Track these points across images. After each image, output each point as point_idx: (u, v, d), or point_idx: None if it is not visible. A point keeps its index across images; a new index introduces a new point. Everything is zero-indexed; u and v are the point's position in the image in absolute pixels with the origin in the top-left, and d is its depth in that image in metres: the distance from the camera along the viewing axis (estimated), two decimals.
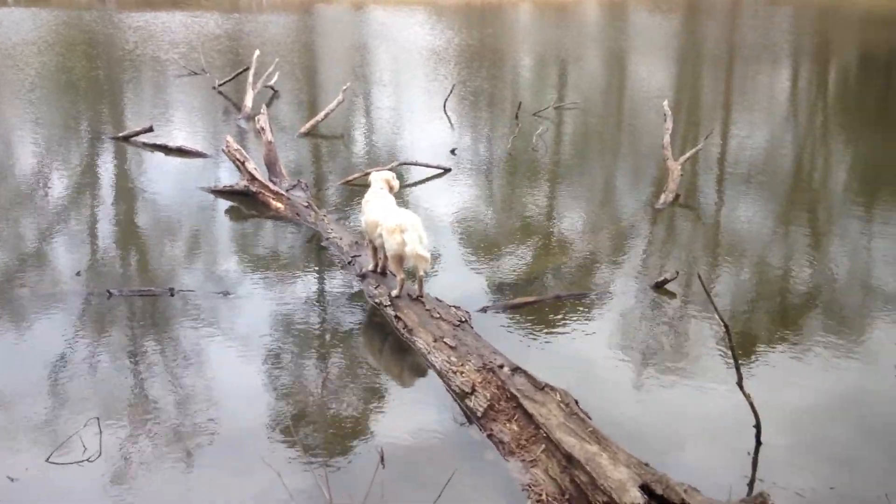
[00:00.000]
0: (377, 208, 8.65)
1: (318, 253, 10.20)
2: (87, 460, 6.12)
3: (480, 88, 21.44)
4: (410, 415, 6.84)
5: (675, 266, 9.59)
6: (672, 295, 9.06)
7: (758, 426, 6.38)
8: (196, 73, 21.38)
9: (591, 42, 32.17)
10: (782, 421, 6.63)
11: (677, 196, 12.14)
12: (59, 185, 12.93)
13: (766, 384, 7.13)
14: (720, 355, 7.74)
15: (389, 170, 11.74)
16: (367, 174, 10.32)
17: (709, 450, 6.42)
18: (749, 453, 6.33)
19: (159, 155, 14.34)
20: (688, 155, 13.29)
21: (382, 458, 6.09)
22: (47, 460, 6.09)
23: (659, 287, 9.13)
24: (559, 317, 8.53)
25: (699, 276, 7.43)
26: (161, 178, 13.15)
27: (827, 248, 10.87)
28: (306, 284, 9.40)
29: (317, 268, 9.91)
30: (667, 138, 13.31)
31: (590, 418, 6.22)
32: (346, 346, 8.06)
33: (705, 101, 21.84)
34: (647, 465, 5.63)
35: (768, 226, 11.59)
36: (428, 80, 22.65)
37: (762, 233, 11.26)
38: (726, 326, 6.65)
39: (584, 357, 7.81)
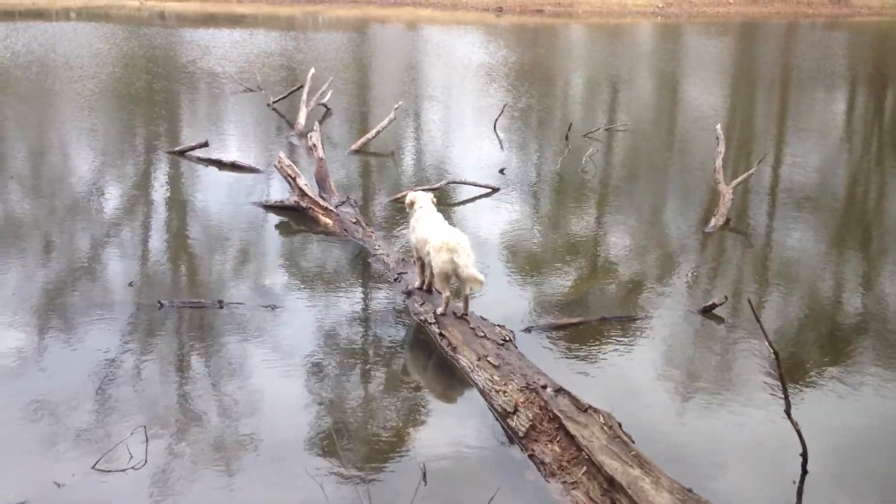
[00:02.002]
0: (426, 226, 8.71)
1: (364, 269, 10.28)
2: (133, 468, 6.22)
3: (531, 108, 21.46)
4: (452, 432, 6.85)
5: (724, 291, 9.48)
6: (720, 320, 8.96)
7: (804, 454, 6.28)
8: (251, 90, 21.70)
9: (643, 64, 32.04)
10: (829, 450, 6.53)
11: (728, 220, 12.03)
12: (114, 197, 13.19)
13: (814, 412, 7.03)
14: (766, 382, 7.64)
15: (436, 189, 11.82)
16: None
17: (753, 477, 6.33)
18: (794, 482, 6.23)
19: (213, 169, 14.57)
20: (740, 179, 13.16)
21: (425, 475, 6.10)
22: (94, 467, 6.20)
23: (707, 312, 9.04)
24: (604, 339, 8.49)
25: (749, 302, 7.34)
26: (214, 192, 13.35)
27: (878, 275, 10.69)
28: (352, 300, 9.47)
29: (363, 284, 9.98)
30: (719, 162, 13.21)
31: (633, 441, 6.17)
32: (390, 363, 8.10)
33: (758, 125, 21.63)
34: (690, 490, 5.58)
35: (819, 251, 11.43)
36: (479, 98, 22.73)
37: (813, 258, 11.11)
38: (776, 353, 6.56)
39: (629, 380, 7.76)
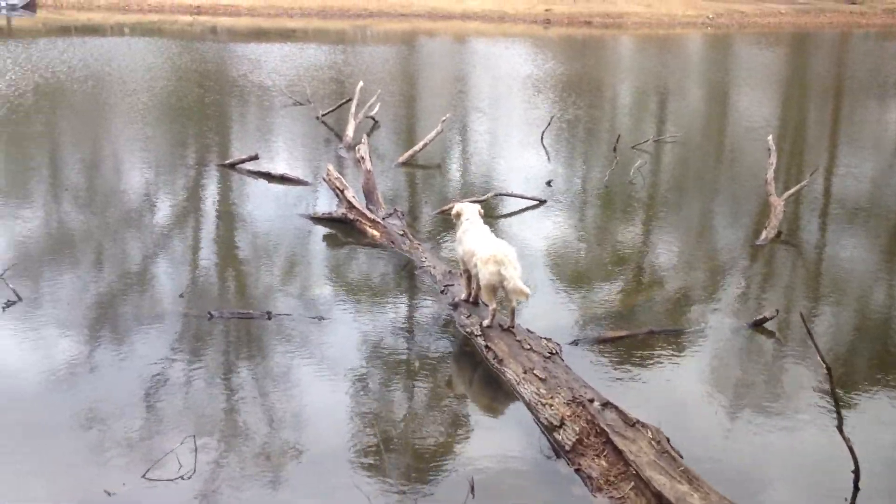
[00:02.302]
0: (473, 238, 8.71)
1: (411, 281, 10.31)
2: (182, 478, 6.29)
3: (578, 120, 21.39)
4: (498, 445, 6.83)
5: (775, 304, 9.35)
6: (770, 334, 8.84)
7: (856, 471, 6.15)
8: (300, 104, 21.90)
9: (692, 74, 31.80)
10: (882, 467, 6.40)
11: (779, 232, 11.86)
12: (165, 209, 13.39)
13: (866, 428, 6.89)
14: (817, 397, 7.51)
15: (483, 201, 11.84)
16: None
17: (804, 494, 6.23)
18: (846, 499, 6.11)
19: (262, 182, 14.72)
20: (792, 191, 12.99)
21: (472, 488, 6.08)
22: (144, 476, 6.28)
23: (757, 326, 8.91)
24: (652, 352, 8.41)
25: (801, 316, 7.23)
26: (263, 204, 13.49)
27: None
28: (399, 312, 9.50)
29: (409, 296, 10.01)
30: (770, 173, 13.05)
31: (681, 457, 6.11)
32: (436, 375, 8.11)
33: (810, 136, 21.32)
34: None
35: (873, 265, 11.22)
36: (526, 110, 22.72)
37: (866, 272, 10.90)
38: (828, 368, 6.45)
39: (677, 394, 7.68)
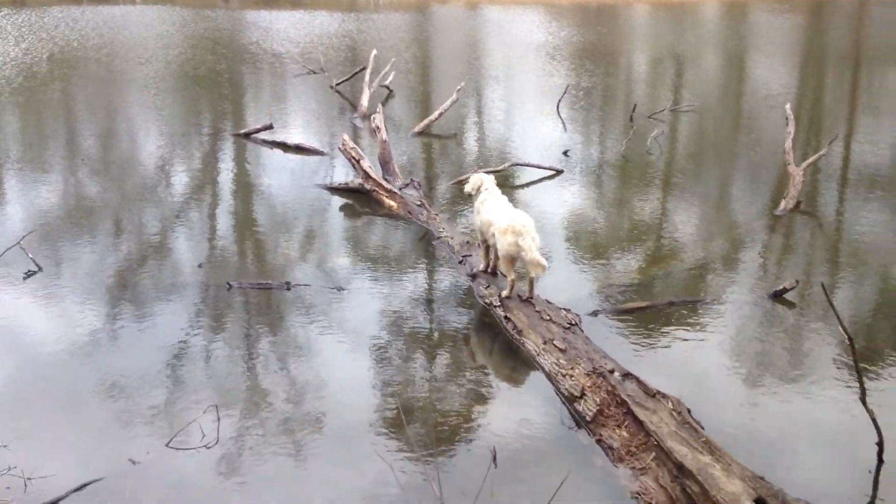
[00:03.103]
0: (492, 208, 8.67)
1: (428, 251, 10.30)
2: (205, 447, 6.33)
3: (594, 89, 21.24)
4: (519, 416, 6.83)
5: (795, 275, 9.29)
6: (791, 305, 8.79)
7: (880, 444, 6.12)
8: (314, 72, 21.82)
9: (709, 42, 31.49)
10: None
11: (798, 203, 11.78)
12: (181, 180, 13.40)
13: (890, 400, 6.84)
14: (839, 368, 7.48)
15: (500, 171, 11.81)
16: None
17: (827, 466, 6.21)
18: (870, 471, 6.08)
19: (278, 152, 14.70)
20: (811, 160, 12.88)
21: (495, 458, 6.09)
22: (167, 445, 6.33)
23: (777, 296, 8.86)
24: (672, 323, 8.38)
25: (822, 286, 7.17)
26: (279, 174, 13.49)
27: None
28: (417, 282, 9.49)
29: (427, 266, 10.00)
30: (788, 143, 12.94)
31: (703, 428, 6.10)
32: (455, 345, 8.11)
33: (828, 104, 21.12)
34: (762, 478, 5.49)
35: (893, 234, 11.12)
36: (541, 78, 22.57)
37: (887, 241, 10.80)
38: (850, 339, 6.41)
39: (698, 365, 7.66)
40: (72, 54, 24.02)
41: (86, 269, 9.57)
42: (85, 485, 5.85)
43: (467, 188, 9.28)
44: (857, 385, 6.27)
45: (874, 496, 5.88)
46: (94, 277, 9.34)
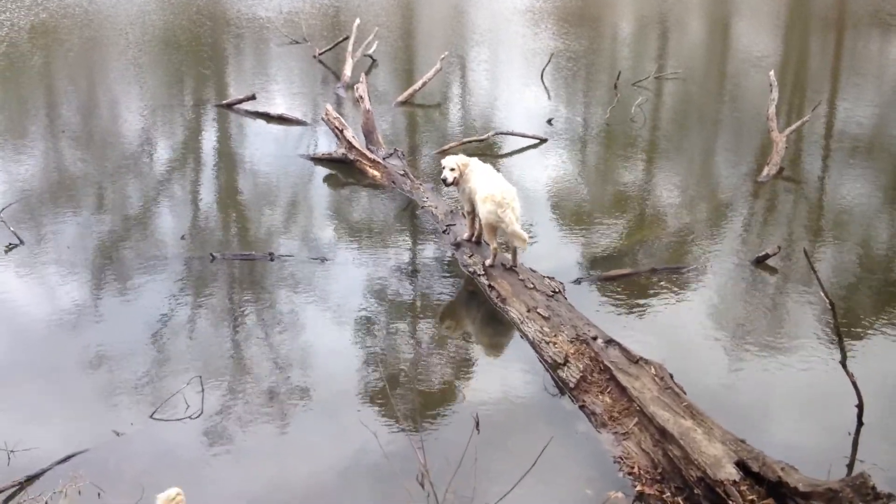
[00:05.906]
0: (477, 177, 8.62)
1: (413, 221, 10.28)
2: (190, 417, 6.36)
3: (578, 56, 21.12)
4: (503, 383, 6.88)
5: (778, 241, 9.34)
6: (773, 270, 8.84)
7: (860, 406, 6.20)
8: (297, 42, 21.61)
9: (693, 8, 31.32)
10: (886, 402, 6.44)
11: (781, 169, 11.80)
12: (164, 151, 13.30)
13: (870, 364, 6.92)
14: (820, 333, 7.55)
15: (484, 140, 11.79)
16: (461, 144, 10.26)
17: (808, 428, 6.28)
18: (850, 433, 6.17)
19: (261, 122, 14.60)
20: (794, 127, 12.89)
21: (477, 424, 6.13)
22: (151, 416, 6.35)
23: (760, 262, 8.91)
24: (655, 290, 8.42)
25: (805, 252, 7.20)
26: (262, 145, 13.40)
27: None
28: (401, 252, 9.49)
29: (412, 236, 9.99)
30: (772, 109, 12.94)
31: (685, 393, 6.15)
32: (440, 314, 8.13)
33: (812, 70, 21.09)
34: (743, 441, 5.55)
35: (875, 201, 11.17)
36: (526, 43, 22.43)
37: (869, 208, 10.86)
38: (832, 304, 6.47)
39: (680, 331, 7.71)
40: (52, 24, 23.72)
41: (68, 241, 9.51)
42: (69, 456, 5.87)
43: (449, 177, 8.79)
44: (838, 349, 6.33)
45: (853, 457, 5.97)
46: (76, 250, 9.29)
